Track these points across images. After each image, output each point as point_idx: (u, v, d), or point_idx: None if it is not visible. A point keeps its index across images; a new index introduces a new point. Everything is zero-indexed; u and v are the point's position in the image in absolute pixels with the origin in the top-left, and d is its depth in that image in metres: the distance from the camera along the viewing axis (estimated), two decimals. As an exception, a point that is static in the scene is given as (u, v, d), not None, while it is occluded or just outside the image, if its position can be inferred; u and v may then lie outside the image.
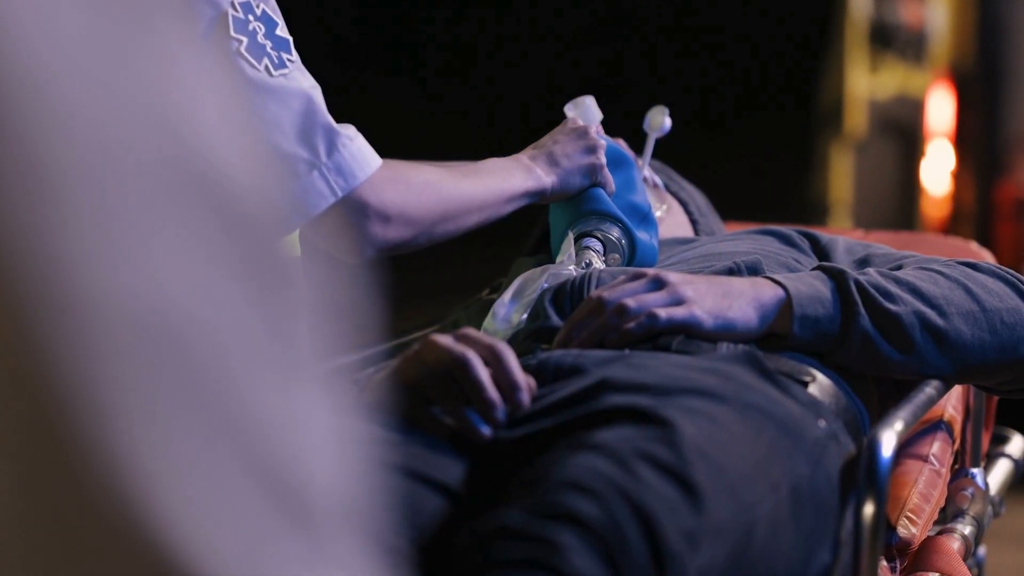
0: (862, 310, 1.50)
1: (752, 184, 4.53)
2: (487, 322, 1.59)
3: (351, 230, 1.59)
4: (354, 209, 1.58)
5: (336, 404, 0.51)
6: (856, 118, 4.58)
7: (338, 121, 1.60)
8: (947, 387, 1.61)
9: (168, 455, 0.47)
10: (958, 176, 5.03)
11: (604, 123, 1.91)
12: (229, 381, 0.48)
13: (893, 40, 4.72)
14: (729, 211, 2.37)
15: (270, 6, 1.58)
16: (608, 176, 1.80)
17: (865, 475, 1.33)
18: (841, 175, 4.56)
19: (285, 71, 1.56)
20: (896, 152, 4.91)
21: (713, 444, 1.22)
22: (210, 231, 0.48)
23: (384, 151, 1.86)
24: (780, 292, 1.50)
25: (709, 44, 4.81)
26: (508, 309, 1.56)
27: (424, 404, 1.35)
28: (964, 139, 5.01)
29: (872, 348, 1.51)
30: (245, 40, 1.54)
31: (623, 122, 2.02)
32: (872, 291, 1.51)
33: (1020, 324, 1.58)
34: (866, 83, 4.63)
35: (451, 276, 2.76)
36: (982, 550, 2.05)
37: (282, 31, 1.58)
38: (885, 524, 1.39)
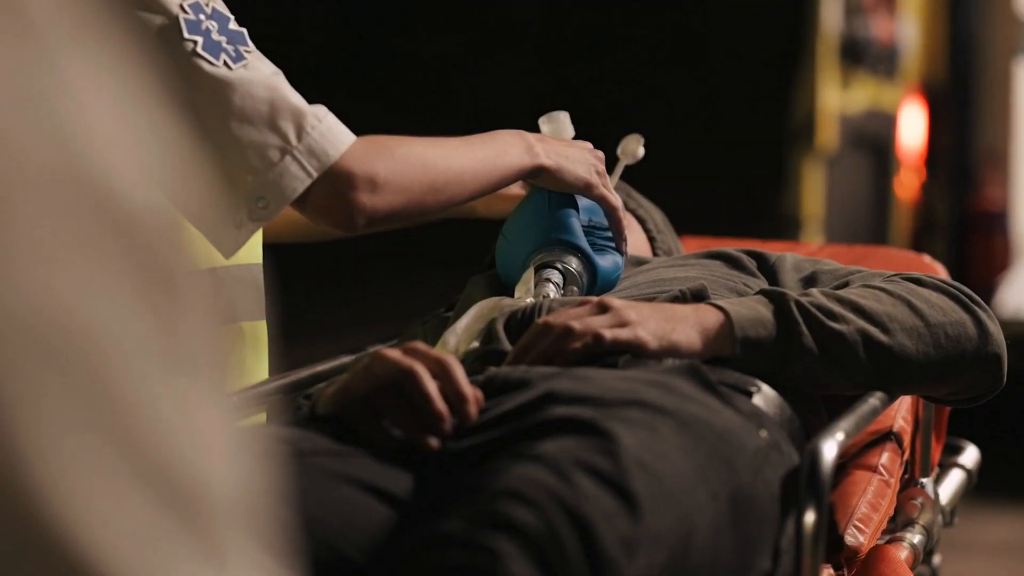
0: (804, 330, 1.54)
1: (724, 199, 4.56)
2: (438, 347, 1.62)
3: (340, 201, 1.60)
4: (340, 180, 1.59)
5: (228, 405, 0.54)
6: (828, 133, 4.61)
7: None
8: (892, 398, 1.64)
9: (59, 456, 0.49)
10: (930, 190, 5.07)
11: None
12: (118, 386, 0.50)
13: (864, 55, 4.76)
14: (700, 226, 2.39)
15: (218, 2, 1.60)
16: (605, 195, 1.80)
17: (806, 483, 1.36)
18: (813, 190, 4.59)
19: (244, 62, 1.58)
20: (868, 167, 4.95)
21: (652, 454, 1.25)
22: (102, 241, 0.51)
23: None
24: (721, 316, 1.54)
25: (682, 59, 4.84)
26: (458, 340, 1.59)
27: (373, 416, 1.38)
28: (935, 153, 5.05)
29: (816, 367, 1.54)
30: (200, 40, 1.56)
31: (604, 137, 2.03)
32: (814, 311, 1.55)
33: (964, 337, 1.61)
34: (837, 98, 4.66)
35: (407, 295, 2.77)
36: (937, 559, 2.07)
37: (234, 25, 1.59)
38: (827, 532, 1.42)
